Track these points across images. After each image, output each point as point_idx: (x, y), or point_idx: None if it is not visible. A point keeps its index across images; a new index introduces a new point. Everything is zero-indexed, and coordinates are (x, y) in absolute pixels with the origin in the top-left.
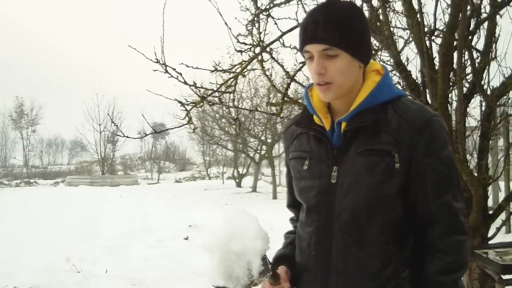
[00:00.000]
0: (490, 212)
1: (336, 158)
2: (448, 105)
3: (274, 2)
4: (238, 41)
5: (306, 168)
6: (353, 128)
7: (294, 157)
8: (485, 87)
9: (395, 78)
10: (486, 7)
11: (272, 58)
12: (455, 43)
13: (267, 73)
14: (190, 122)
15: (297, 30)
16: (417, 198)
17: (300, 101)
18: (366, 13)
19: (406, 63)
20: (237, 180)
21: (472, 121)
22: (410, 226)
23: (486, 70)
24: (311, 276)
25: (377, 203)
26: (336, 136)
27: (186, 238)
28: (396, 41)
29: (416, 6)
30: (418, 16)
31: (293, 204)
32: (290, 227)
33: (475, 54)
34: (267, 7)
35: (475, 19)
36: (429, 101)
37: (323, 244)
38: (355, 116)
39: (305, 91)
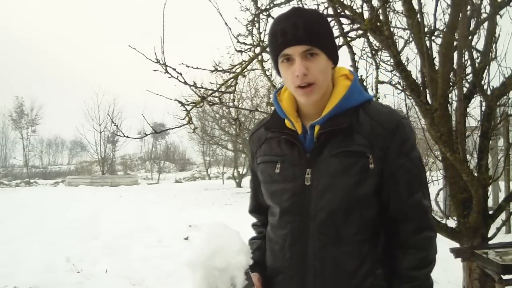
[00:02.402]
0: (490, 212)
1: (309, 161)
2: (448, 105)
3: (274, 2)
4: (238, 41)
5: (278, 171)
6: (327, 131)
7: (264, 161)
8: (485, 87)
9: (395, 78)
10: (486, 7)
11: None
12: (455, 43)
13: (267, 73)
14: (190, 122)
15: None
16: (390, 197)
17: None
18: (366, 13)
19: (406, 63)
20: (237, 180)
21: (472, 121)
22: (382, 225)
23: (486, 70)
24: (286, 279)
25: (353, 203)
26: (309, 140)
27: (186, 238)
28: (396, 41)
29: (416, 6)
30: (418, 16)
31: (256, 209)
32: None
33: (475, 54)
34: (267, 7)
35: (475, 19)
36: (429, 101)
37: (298, 245)
38: (329, 120)
39: (274, 96)
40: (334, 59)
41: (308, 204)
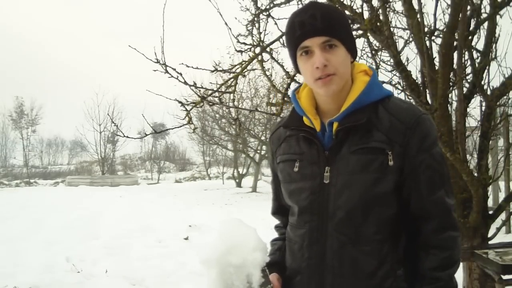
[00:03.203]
0: (490, 212)
1: (328, 159)
2: (448, 105)
3: (274, 2)
4: (238, 41)
5: (296, 170)
6: (346, 127)
7: (283, 160)
8: (485, 87)
9: (395, 78)
10: (486, 7)
11: (272, 58)
12: (455, 43)
13: (267, 73)
14: (190, 122)
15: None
16: (410, 194)
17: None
18: (366, 13)
19: (406, 63)
20: (237, 180)
21: (472, 121)
22: (403, 224)
23: (486, 70)
24: (304, 279)
25: (372, 201)
26: (327, 137)
27: (186, 238)
28: (396, 41)
29: (416, 6)
30: (418, 16)
31: (278, 210)
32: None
33: (475, 54)
34: (267, 7)
35: (475, 19)
36: (429, 101)
37: (317, 245)
38: (348, 116)
39: (292, 94)
40: (353, 52)
41: (326, 202)
